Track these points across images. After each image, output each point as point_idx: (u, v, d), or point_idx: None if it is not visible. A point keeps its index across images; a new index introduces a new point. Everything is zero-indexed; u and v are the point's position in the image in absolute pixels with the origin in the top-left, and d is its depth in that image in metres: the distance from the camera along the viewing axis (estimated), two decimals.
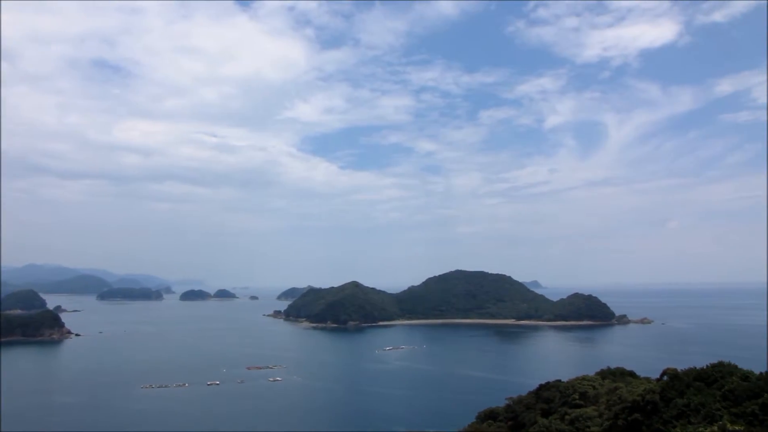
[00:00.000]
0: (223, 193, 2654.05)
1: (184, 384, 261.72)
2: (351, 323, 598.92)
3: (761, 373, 69.81)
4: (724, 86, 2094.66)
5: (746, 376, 70.75)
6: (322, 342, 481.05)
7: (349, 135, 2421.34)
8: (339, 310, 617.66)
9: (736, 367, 75.78)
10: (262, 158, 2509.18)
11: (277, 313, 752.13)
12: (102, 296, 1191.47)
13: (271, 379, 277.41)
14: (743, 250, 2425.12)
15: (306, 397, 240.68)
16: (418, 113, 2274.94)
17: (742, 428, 31.23)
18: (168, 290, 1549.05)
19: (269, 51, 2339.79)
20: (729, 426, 29.50)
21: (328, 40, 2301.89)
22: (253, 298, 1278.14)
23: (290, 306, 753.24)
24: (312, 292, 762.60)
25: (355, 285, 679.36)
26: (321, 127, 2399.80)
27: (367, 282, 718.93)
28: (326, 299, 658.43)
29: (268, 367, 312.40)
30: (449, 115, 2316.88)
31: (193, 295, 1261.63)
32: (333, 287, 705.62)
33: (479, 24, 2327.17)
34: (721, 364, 77.24)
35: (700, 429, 30.77)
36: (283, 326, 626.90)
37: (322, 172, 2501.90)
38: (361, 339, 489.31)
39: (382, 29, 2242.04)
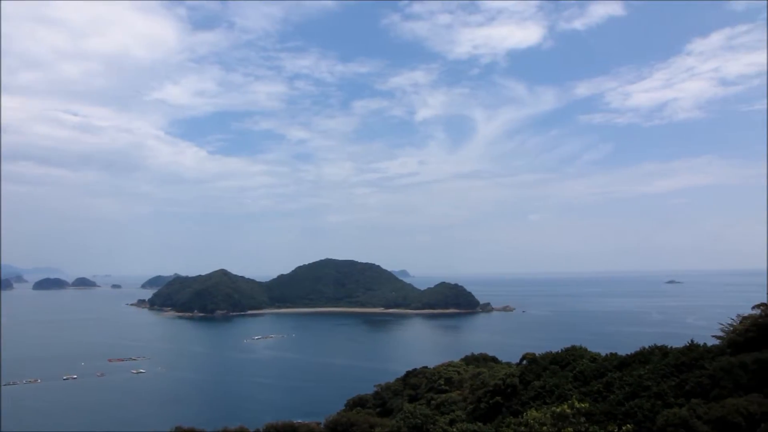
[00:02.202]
0: (84, 175, 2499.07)
1: (36, 380, 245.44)
2: (219, 312, 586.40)
3: (607, 355, 76.05)
4: (582, 89, 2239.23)
5: (594, 357, 76.80)
6: (188, 332, 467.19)
7: (219, 120, 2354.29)
8: (206, 299, 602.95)
9: (586, 350, 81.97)
10: (127, 140, 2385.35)
11: (141, 303, 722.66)
12: None
13: (134, 371, 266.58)
14: (594, 242, 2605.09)
15: (171, 389, 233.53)
16: (291, 100, 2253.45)
17: (586, 405, 33.90)
18: (19, 279, 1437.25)
19: (138, 28, 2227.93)
20: (576, 404, 31.91)
21: (201, 21, 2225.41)
22: (116, 286, 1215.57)
23: (155, 295, 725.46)
24: (178, 281, 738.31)
25: (223, 273, 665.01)
26: (191, 110, 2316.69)
27: (236, 270, 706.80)
28: (193, 288, 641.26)
29: (130, 358, 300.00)
30: (322, 103, 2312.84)
31: (49, 284, 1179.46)
32: (200, 275, 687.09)
33: (355, 15, 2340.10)
34: (573, 347, 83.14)
35: (553, 408, 33.05)
36: (147, 316, 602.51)
37: (190, 156, 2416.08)
38: (229, 328, 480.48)
39: (257, 14, 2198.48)
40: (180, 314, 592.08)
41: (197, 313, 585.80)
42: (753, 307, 70.36)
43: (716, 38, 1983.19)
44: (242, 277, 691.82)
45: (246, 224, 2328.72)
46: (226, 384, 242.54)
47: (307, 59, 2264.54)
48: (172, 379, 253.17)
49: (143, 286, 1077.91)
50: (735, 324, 71.85)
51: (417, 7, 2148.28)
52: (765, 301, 69.50)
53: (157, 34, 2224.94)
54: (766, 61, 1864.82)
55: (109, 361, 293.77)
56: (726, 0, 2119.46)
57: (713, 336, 75.57)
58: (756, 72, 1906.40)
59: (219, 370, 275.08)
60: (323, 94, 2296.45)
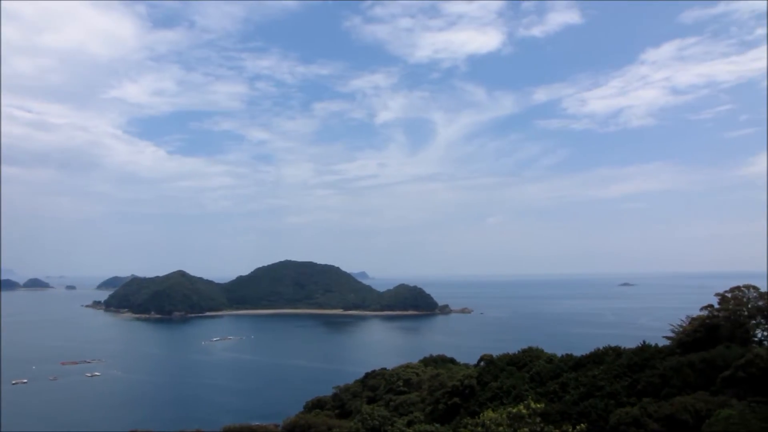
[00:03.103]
0: (38, 174, 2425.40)
1: None
2: (176, 314, 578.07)
3: (562, 356, 77.55)
4: (540, 95, 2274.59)
5: (550, 359, 78.23)
6: (144, 333, 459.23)
7: (179, 119, 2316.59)
8: (164, 300, 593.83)
9: (542, 351, 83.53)
10: (84, 138, 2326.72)
11: (96, 304, 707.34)
12: None
13: (88, 374, 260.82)
14: (551, 245, 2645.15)
15: (126, 392, 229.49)
16: (252, 101, 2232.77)
17: (542, 405, 34.69)
18: None
19: (96, 24, 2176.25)
20: (532, 404, 32.63)
21: (161, 20, 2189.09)
22: (70, 287, 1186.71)
23: (111, 296, 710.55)
24: (135, 282, 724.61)
25: (181, 274, 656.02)
26: (149, 109, 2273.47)
27: (195, 271, 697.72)
28: (150, 289, 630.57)
29: (84, 361, 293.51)
30: (283, 105, 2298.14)
31: None
32: (158, 276, 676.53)
33: (317, 16, 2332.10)
34: (530, 349, 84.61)
35: (509, 408, 33.72)
36: (103, 318, 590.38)
37: (149, 156, 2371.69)
38: (186, 330, 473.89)
39: (218, 13, 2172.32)
40: (137, 316, 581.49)
41: (154, 315, 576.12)
42: (701, 309, 72.73)
43: (668, 49, 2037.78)
44: (201, 278, 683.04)
45: (205, 225, 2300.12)
46: (183, 386, 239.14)
47: (268, 60, 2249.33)
48: (127, 382, 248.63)
49: (99, 287, 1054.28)
50: (684, 325, 74.16)
51: (379, 11, 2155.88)
52: (712, 302, 71.92)
53: (115, 31, 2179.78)
54: (713, 72, 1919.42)
55: (62, 364, 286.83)
56: (676, 13, 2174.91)
57: (664, 337, 77.86)
58: (704, 82, 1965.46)
59: (176, 373, 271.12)
60: (284, 96, 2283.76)
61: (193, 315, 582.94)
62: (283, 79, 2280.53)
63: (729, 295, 70.33)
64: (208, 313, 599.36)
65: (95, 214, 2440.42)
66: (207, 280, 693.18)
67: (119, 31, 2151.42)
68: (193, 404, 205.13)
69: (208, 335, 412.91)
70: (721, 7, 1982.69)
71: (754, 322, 68.78)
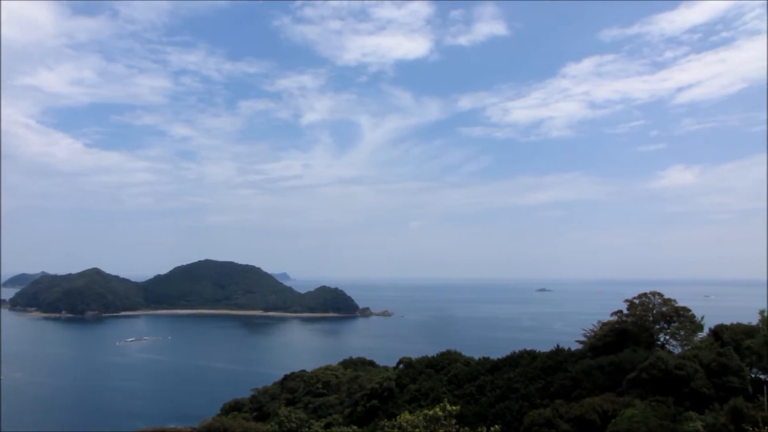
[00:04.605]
0: None
1: None
2: (89, 313, 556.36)
3: (479, 359, 79.22)
4: (465, 102, 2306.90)
5: (468, 362, 79.76)
6: (54, 334, 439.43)
7: (98, 111, 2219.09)
8: (76, 299, 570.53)
9: (460, 354, 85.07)
10: None
11: (1, 303, 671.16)
12: None
13: None
14: (472, 250, 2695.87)
15: (30, 395, 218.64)
16: (176, 96, 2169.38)
17: (457, 407, 35.36)
18: None
19: (9, 7, 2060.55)
20: (448, 406, 33.19)
21: (82, 7, 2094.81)
22: None
23: (18, 294, 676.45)
24: (46, 279, 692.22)
25: (96, 272, 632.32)
26: (66, 99, 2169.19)
27: (111, 269, 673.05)
28: (62, 287, 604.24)
29: None
30: (208, 101, 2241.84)
31: None
32: (71, 274, 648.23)
33: (246, 14, 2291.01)
34: (448, 352, 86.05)
35: (425, 411, 34.19)
36: (7, 317, 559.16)
37: (64, 148, 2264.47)
38: (100, 330, 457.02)
39: (143, 4, 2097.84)
40: (46, 315, 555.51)
41: (65, 314, 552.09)
42: (611, 314, 75.94)
43: (587, 64, 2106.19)
44: (117, 277, 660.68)
45: (123, 222, 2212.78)
46: (94, 389, 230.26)
47: (195, 55, 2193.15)
48: (31, 385, 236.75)
49: (5, 284, 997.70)
50: (595, 330, 77.20)
51: (308, 11, 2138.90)
52: (622, 308, 75.19)
53: (31, 15, 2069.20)
54: (627, 89, 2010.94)
55: None
56: (596, 31, 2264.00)
57: (577, 341, 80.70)
58: (620, 98, 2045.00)
59: (87, 375, 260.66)
60: (209, 92, 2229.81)
61: (107, 315, 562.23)
62: (209, 75, 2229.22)
63: (637, 301, 73.72)
64: (123, 313, 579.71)
65: (4, 207, 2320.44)
66: (123, 278, 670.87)
67: (35, 16, 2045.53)
68: (105, 407, 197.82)
69: (123, 335, 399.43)
70: (635, 29, 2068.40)
71: (658, 326, 72.49)
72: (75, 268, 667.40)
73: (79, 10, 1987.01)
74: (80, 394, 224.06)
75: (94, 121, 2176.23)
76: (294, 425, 61.70)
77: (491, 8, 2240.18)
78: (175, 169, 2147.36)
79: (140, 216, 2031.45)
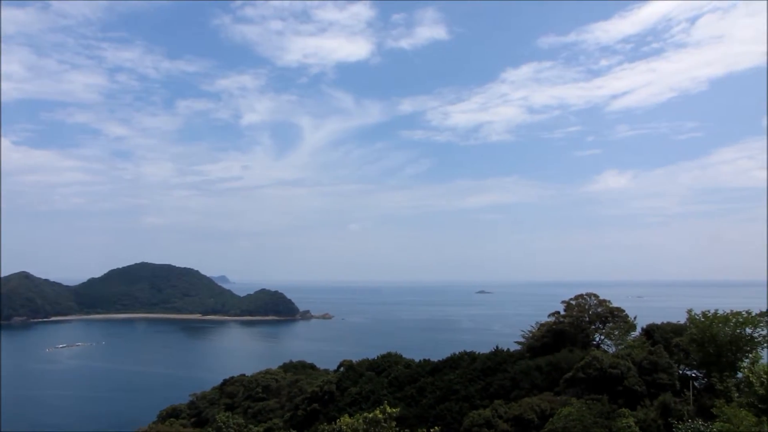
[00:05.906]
0: None
1: None
2: (16, 319, 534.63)
3: (420, 361, 79.69)
4: (406, 105, 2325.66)
5: (408, 364, 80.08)
6: None
7: (27, 108, 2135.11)
8: (2, 304, 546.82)
9: (401, 356, 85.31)
10: None
11: None
12: None
13: None
14: (412, 252, 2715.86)
15: None
16: (111, 94, 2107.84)
17: (398, 410, 35.39)
18: None
19: None
20: (388, 409, 33.16)
21: None
22: None
23: None
24: None
25: (24, 276, 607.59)
26: None
27: (41, 273, 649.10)
28: None
29: None
30: (145, 100, 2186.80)
31: None
32: None
33: (185, 12, 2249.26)
34: (389, 354, 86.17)
35: (365, 414, 34.08)
36: None
37: None
38: (28, 336, 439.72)
39: None
40: None
41: None
42: (549, 315, 77.53)
43: (526, 70, 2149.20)
44: (47, 281, 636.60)
45: (54, 223, 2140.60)
46: (21, 398, 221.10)
47: (131, 52, 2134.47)
48: None
49: None
50: (534, 330, 78.70)
51: (249, 11, 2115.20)
52: (559, 309, 76.86)
53: None
54: (564, 95, 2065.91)
55: None
56: (534, 38, 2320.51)
57: (515, 342, 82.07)
58: (557, 104, 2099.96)
59: (13, 383, 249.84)
60: (146, 91, 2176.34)
61: (36, 320, 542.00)
62: (146, 73, 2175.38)
63: (573, 302, 75.48)
64: (54, 318, 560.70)
65: None
66: (54, 281, 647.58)
67: None
68: (34, 416, 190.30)
69: (53, 342, 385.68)
70: (572, 37, 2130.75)
71: (593, 327, 74.38)
72: (1, 271, 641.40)
73: (6, 0, 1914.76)
74: (6, 402, 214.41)
75: (23, 117, 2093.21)
76: (232, 431, 60.74)
77: (432, 12, 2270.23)
78: (110, 169, 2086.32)
79: (72, 217, 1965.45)
